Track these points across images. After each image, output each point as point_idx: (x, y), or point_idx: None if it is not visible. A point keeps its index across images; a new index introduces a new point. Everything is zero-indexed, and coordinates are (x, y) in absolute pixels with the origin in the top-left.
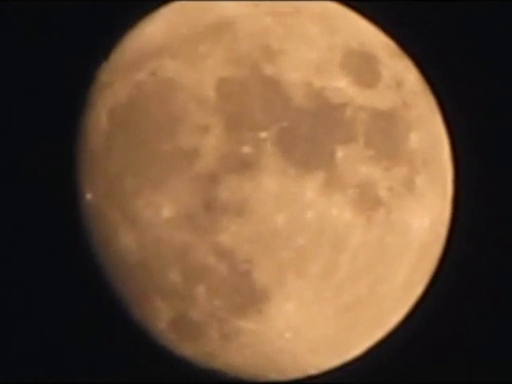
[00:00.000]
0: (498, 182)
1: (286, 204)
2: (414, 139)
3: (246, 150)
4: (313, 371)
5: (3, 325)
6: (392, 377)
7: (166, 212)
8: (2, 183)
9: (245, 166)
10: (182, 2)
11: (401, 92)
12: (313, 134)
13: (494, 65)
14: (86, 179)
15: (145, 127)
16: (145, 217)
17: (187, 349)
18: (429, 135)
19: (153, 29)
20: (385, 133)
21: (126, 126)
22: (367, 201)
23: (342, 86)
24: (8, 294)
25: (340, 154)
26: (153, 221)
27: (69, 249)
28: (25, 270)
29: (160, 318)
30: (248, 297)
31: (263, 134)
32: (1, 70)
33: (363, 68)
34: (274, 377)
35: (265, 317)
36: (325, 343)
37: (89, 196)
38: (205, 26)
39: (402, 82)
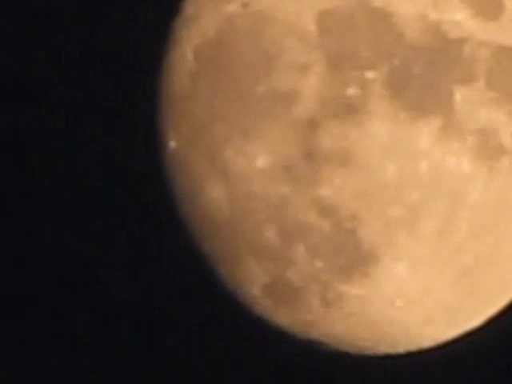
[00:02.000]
0: None
1: (396, 153)
2: None
3: (351, 91)
4: (428, 343)
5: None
6: None
7: (260, 162)
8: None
9: (350, 110)
10: None
11: None
12: (427, 74)
13: None
14: (170, 125)
15: (235, 66)
16: (236, 167)
17: (284, 317)
18: None
19: None
20: (509, 72)
21: (215, 66)
22: (489, 149)
23: (460, 18)
24: (85, 248)
25: (458, 96)
26: (245, 172)
27: (150, 203)
28: (103, 226)
29: (253, 283)
30: (353, 258)
31: (371, 74)
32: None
33: None
34: (383, 350)
35: (372, 281)
36: (441, 311)
37: (172, 144)
38: None
39: None
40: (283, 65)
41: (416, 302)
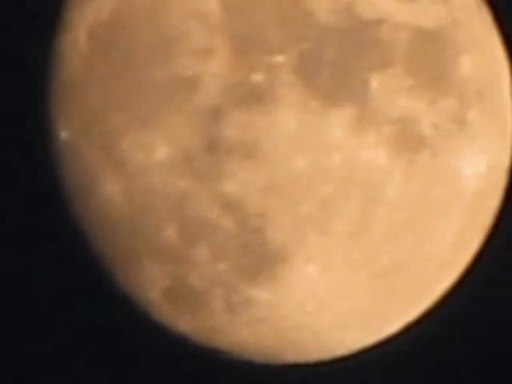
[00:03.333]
0: None
1: (307, 145)
2: (466, 65)
3: (258, 77)
4: (341, 351)
5: None
6: (437, 358)
7: (160, 154)
8: None
9: (256, 97)
10: None
11: (450, 6)
12: (341, 58)
13: None
14: (60, 114)
15: (133, 50)
16: (133, 160)
17: (186, 323)
18: (484, 59)
19: None
20: (429, 57)
21: (110, 49)
22: (408, 141)
23: None
24: None
25: (374, 83)
26: (143, 165)
27: (40, 198)
28: None
29: (152, 286)
30: (260, 259)
31: (279, 58)
32: None
33: None
34: (292, 358)
35: (281, 284)
36: (356, 317)
37: (64, 135)
38: None
39: None
40: (184, 49)
41: (328, 307)
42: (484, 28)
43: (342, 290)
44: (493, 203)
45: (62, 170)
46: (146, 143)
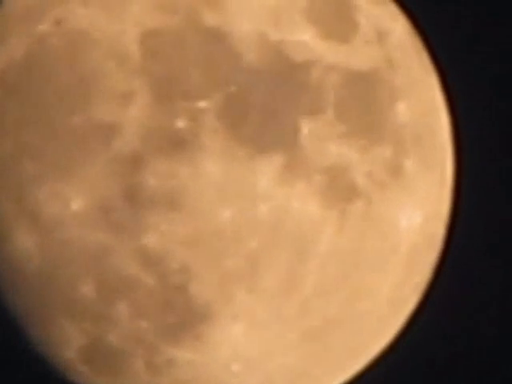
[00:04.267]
0: (510, 166)
1: (232, 196)
2: (402, 110)
3: (180, 124)
4: None
5: None
6: None
7: (76, 205)
8: None
9: (179, 145)
10: None
11: (385, 47)
12: (269, 103)
13: (501, 10)
14: None
15: (47, 94)
16: (48, 211)
17: None
18: (421, 104)
19: None
20: (363, 101)
21: (23, 93)
22: (340, 191)
23: (306, 39)
24: None
25: (305, 129)
26: (58, 216)
27: None
28: None
29: (68, 345)
30: (184, 317)
31: (203, 104)
32: None
33: (334, 16)
34: None
35: (206, 343)
36: (284, 379)
37: None
38: None
39: (385, 33)
40: (102, 93)
41: (255, 367)
42: (421, 69)
43: (270, 349)
44: (431, 256)
45: None
46: (61, 193)
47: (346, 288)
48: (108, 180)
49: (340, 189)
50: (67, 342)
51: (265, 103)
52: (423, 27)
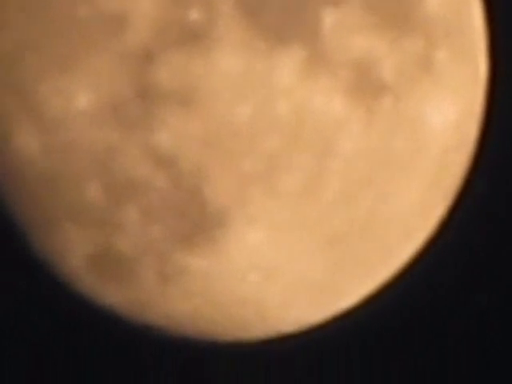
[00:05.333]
0: None
1: (251, 92)
2: (433, 0)
3: (195, 15)
4: (288, 328)
5: None
6: (397, 337)
7: (82, 102)
8: None
9: (193, 37)
10: None
11: None
12: None
13: None
14: None
15: None
16: (51, 109)
17: (112, 295)
18: None
19: None
20: None
21: None
22: (366, 86)
23: None
24: None
25: (328, 20)
26: (63, 115)
27: None
28: None
29: (74, 253)
30: (197, 223)
31: None
32: None
33: None
34: (233, 335)
35: (221, 251)
36: (306, 288)
37: None
38: None
39: None
40: None
41: (274, 277)
42: None
43: (289, 258)
44: (463, 158)
45: None
46: (66, 90)
47: (373, 190)
48: (116, 75)
49: (366, 84)
50: (72, 250)
51: None
52: None
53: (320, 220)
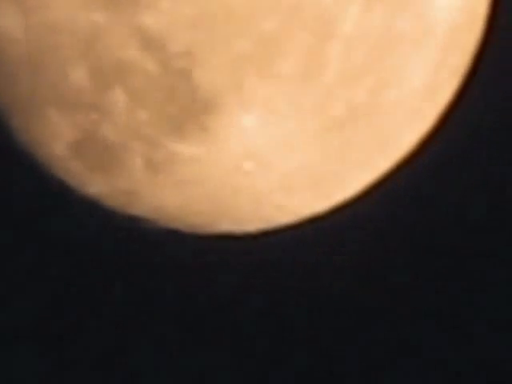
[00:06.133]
0: None
1: None
2: None
3: None
4: (285, 219)
5: None
6: (401, 228)
7: None
8: None
9: None
10: None
11: None
12: None
13: None
14: None
15: None
16: None
17: (98, 184)
18: None
19: None
20: None
21: None
22: None
23: None
24: None
25: None
26: None
27: None
28: None
29: (58, 139)
30: (188, 107)
31: None
32: None
33: None
34: (226, 227)
35: (213, 138)
36: (303, 177)
37: None
38: None
39: None
40: None
41: (270, 165)
42: None
43: (287, 144)
44: (471, 39)
45: None
46: None
47: (374, 74)
48: None
49: None
50: (56, 136)
51: None
52: None
53: (318, 105)
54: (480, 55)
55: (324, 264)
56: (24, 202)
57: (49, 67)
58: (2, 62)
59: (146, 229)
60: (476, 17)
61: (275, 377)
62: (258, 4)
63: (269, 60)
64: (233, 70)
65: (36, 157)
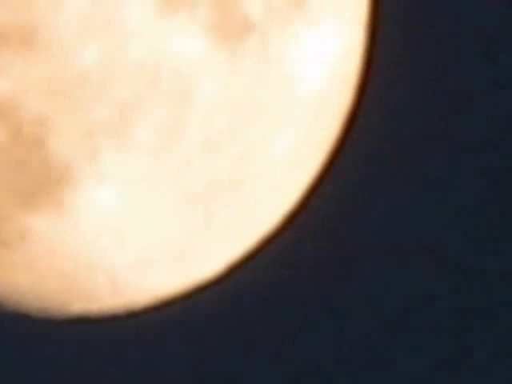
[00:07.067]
0: None
1: (99, 31)
2: None
3: None
4: (144, 298)
5: None
6: (270, 306)
7: None
8: None
9: None
10: None
11: None
12: None
13: None
14: None
15: None
16: None
17: None
18: None
19: None
20: None
21: None
22: (230, 26)
23: None
24: None
25: None
26: None
27: None
28: None
29: None
30: (40, 180)
31: None
32: None
33: None
34: (79, 308)
35: (66, 211)
36: (163, 254)
37: None
38: None
39: None
40: None
41: (126, 241)
42: None
43: (145, 218)
44: (341, 105)
45: None
46: None
47: (237, 144)
48: None
49: (230, 24)
50: None
51: None
52: None
53: (179, 176)
54: (349, 125)
55: (180, 348)
56: None
57: None
58: None
59: None
60: (346, 82)
61: None
62: (111, 68)
63: (126, 128)
64: (87, 140)
65: None
